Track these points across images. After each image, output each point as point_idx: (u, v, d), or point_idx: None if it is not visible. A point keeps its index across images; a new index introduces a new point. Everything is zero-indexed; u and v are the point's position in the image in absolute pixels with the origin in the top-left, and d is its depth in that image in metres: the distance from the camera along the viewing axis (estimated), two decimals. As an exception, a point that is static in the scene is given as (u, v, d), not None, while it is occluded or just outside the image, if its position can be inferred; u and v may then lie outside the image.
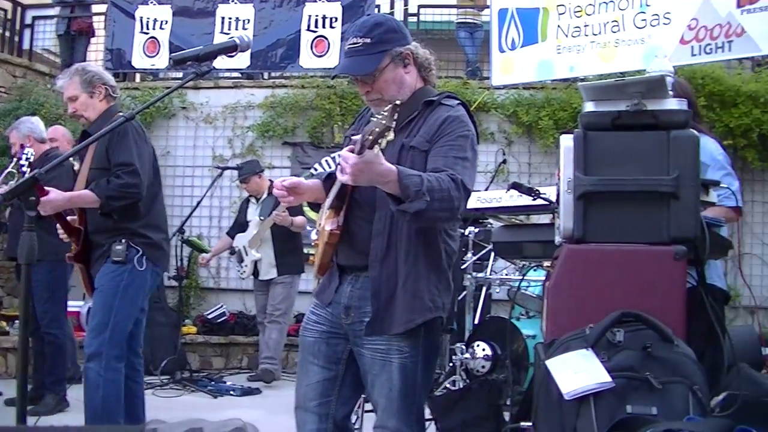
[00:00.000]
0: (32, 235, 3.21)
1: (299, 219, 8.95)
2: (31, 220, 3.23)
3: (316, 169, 10.95)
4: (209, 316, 10.80)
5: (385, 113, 2.88)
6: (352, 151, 2.99)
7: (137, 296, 5.40)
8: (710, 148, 5.08)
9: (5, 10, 13.53)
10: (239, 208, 9.81)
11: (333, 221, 3.51)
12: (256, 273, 9.22)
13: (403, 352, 3.46)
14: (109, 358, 5.17)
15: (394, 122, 2.90)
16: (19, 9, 13.80)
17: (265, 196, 9.26)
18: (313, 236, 3.67)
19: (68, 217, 5.33)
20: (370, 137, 2.86)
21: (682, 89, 4.69)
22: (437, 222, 3.40)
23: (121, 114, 5.32)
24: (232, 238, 9.54)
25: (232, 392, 8.64)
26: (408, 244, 3.42)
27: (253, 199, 9.45)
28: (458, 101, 3.60)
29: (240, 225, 9.51)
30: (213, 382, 8.92)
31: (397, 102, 2.97)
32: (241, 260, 9.31)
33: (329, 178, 3.71)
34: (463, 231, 6.66)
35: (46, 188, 4.84)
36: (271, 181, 9.29)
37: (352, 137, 3.09)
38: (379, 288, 3.45)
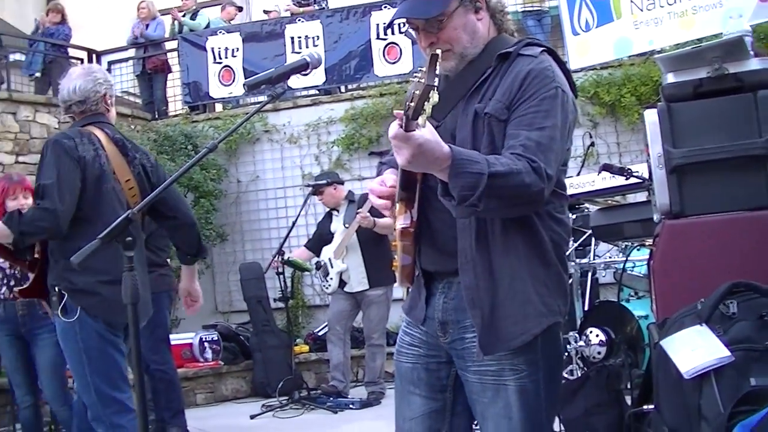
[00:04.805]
0: (133, 275, 3.24)
1: (384, 220, 7.76)
2: (129, 260, 3.26)
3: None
4: (319, 334, 10.83)
5: (424, 69, 2.34)
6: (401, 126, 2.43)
7: (95, 348, 4.50)
8: None
9: (81, 59, 13.81)
10: (320, 223, 9.57)
11: (405, 216, 2.86)
12: (341, 285, 8.95)
13: (519, 371, 2.79)
14: (108, 417, 4.50)
15: (437, 79, 2.33)
16: (94, 56, 14.05)
17: (345, 205, 9.07)
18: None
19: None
20: (412, 104, 2.34)
21: None
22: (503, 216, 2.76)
23: None
24: (312, 251, 9.34)
25: (351, 406, 8.63)
26: (504, 237, 2.74)
27: (334, 212, 9.21)
28: (541, 48, 2.87)
29: (322, 239, 9.27)
30: (333, 398, 8.91)
31: (436, 52, 2.39)
32: (326, 274, 9.03)
33: None
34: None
35: None
36: (350, 192, 9.30)
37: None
38: (478, 297, 2.76)
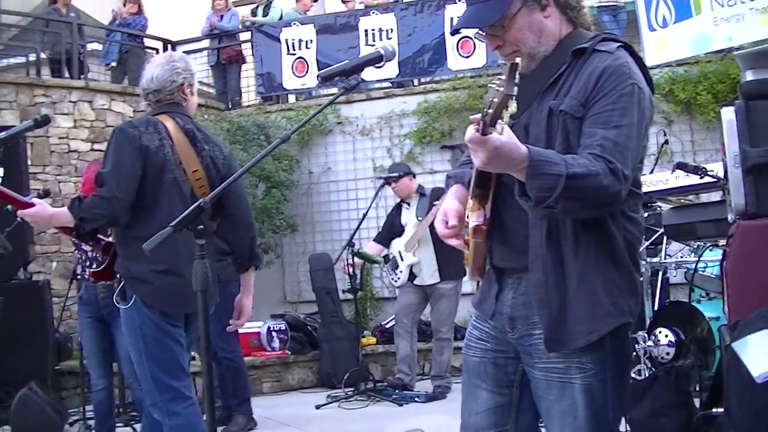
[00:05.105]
0: (204, 262, 3.25)
1: None
2: (201, 248, 3.27)
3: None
4: (387, 326, 10.84)
5: (503, 77, 2.31)
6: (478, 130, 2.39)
7: (151, 336, 4.53)
8: None
9: (156, 49, 13.98)
10: (389, 215, 9.58)
11: (479, 213, 2.84)
12: (411, 278, 8.96)
13: (586, 369, 2.75)
14: (164, 404, 4.52)
15: (515, 88, 2.31)
16: (169, 46, 14.22)
17: (417, 198, 9.09)
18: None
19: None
20: (490, 111, 2.32)
21: None
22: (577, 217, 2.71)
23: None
24: (382, 244, 9.37)
25: (417, 399, 8.64)
26: (575, 235, 2.70)
27: (405, 204, 9.22)
28: (618, 44, 2.81)
29: (391, 232, 9.31)
30: (398, 391, 8.92)
31: (516, 61, 2.37)
32: (395, 267, 9.04)
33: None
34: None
35: (31, 201, 4.55)
36: (420, 185, 9.29)
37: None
38: (546, 295, 2.75)
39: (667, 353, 5.99)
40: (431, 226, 8.54)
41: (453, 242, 2.90)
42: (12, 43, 15.59)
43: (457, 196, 2.99)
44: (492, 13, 2.77)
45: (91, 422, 7.26)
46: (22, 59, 14.04)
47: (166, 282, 4.43)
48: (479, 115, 2.37)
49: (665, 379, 5.00)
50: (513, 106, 2.33)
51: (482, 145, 2.39)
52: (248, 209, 5.00)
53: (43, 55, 13.05)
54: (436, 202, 7.81)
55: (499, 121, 2.33)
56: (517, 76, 2.31)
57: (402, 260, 8.90)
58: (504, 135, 2.39)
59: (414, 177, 9.30)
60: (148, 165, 4.48)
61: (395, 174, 9.10)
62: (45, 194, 6.76)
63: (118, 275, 4.54)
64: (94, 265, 6.25)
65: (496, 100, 2.29)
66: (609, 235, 2.72)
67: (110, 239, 4.78)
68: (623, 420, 5.10)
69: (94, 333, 6.55)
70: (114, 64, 14.05)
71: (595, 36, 2.85)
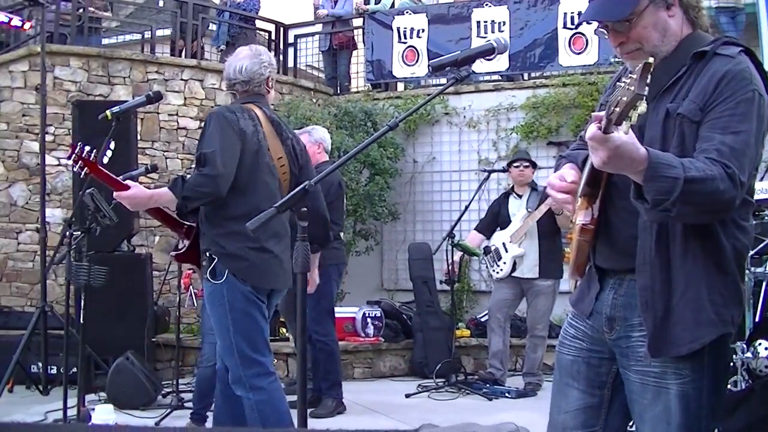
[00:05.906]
0: (305, 245, 3.30)
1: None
2: (303, 230, 3.32)
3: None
4: (482, 319, 10.77)
5: (634, 77, 2.27)
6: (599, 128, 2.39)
7: (240, 309, 4.70)
8: None
9: (269, 32, 14.15)
10: (495, 203, 9.41)
11: (586, 213, 2.84)
12: (511, 270, 8.86)
13: (683, 375, 2.73)
14: (249, 379, 4.68)
15: (647, 88, 2.26)
16: (282, 29, 14.37)
17: (529, 191, 9.00)
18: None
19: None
20: (617, 109, 2.29)
21: None
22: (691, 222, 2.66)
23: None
24: (483, 234, 9.27)
25: (507, 394, 8.61)
26: (684, 241, 2.67)
27: (514, 195, 9.11)
28: (739, 48, 2.77)
29: (494, 221, 9.19)
30: (489, 385, 8.89)
31: (649, 61, 2.31)
32: (498, 258, 8.90)
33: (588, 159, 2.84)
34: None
35: (126, 182, 4.78)
36: (533, 180, 9.16)
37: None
38: (652, 299, 2.71)
39: (766, 366, 5.87)
40: (538, 221, 8.60)
41: (561, 197, 2.87)
42: (128, 20, 15.92)
43: (573, 171, 2.95)
44: (622, 7, 2.75)
45: (184, 395, 7.40)
46: (137, 36, 14.34)
47: (260, 258, 4.68)
48: (603, 113, 2.36)
49: (762, 393, 4.91)
50: (642, 107, 2.31)
51: (603, 144, 2.39)
52: (322, 198, 5.31)
53: (159, 33, 13.28)
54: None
55: (627, 120, 2.31)
56: (649, 76, 2.27)
57: (506, 252, 8.82)
58: (626, 135, 2.38)
59: (535, 170, 9.25)
60: (245, 148, 4.70)
61: (527, 159, 9.08)
62: (153, 169, 6.87)
63: (207, 253, 4.71)
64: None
65: (625, 98, 2.27)
66: (718, 243, 2.68)
67: (191, 223, 4.94)
68: (716, 431, 5.01)
69: None
70: (223, 46, 14.22)
71: (716, 39, 2.81)
